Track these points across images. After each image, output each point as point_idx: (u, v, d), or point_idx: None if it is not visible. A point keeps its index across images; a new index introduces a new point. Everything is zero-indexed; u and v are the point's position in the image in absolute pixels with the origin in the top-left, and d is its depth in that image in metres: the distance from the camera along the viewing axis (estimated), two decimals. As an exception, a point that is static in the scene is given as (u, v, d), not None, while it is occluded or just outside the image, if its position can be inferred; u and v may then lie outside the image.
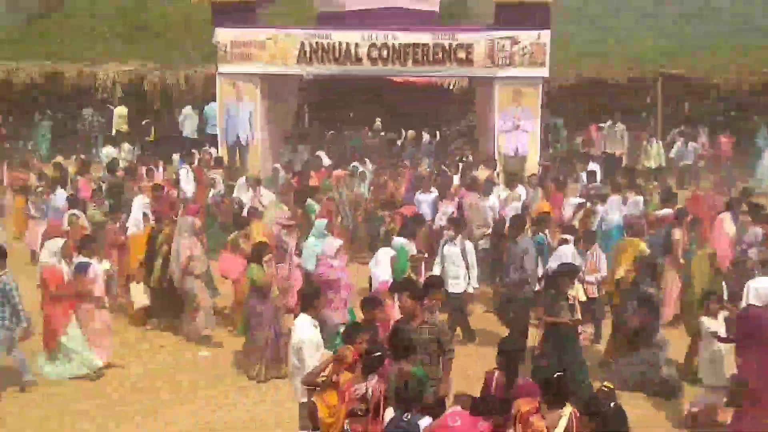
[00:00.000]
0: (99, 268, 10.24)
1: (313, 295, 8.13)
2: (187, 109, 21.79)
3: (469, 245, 11.19)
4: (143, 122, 22.42)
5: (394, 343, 6.86)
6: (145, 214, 12.49)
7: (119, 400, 9.24)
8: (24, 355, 9.43)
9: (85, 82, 23.05)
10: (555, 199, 14.53)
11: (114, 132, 22.23)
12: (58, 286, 9.60)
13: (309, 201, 13.89)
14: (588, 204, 13.66)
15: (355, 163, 16.97)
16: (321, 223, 11.38)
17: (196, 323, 10.89)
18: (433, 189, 14.65)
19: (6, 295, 8.92)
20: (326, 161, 18.34)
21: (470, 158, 18.30)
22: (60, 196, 14.41)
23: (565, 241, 11.28)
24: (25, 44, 26.54)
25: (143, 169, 16.88)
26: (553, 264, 10.46)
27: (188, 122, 21.83)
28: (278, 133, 19.99)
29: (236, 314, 11.14)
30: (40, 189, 14.89)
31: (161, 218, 12.12)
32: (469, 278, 11.08)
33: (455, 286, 10.91)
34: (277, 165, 17.12)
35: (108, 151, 19.47)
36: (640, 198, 14.07)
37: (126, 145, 20.63)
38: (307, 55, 18.08)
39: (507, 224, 11.86)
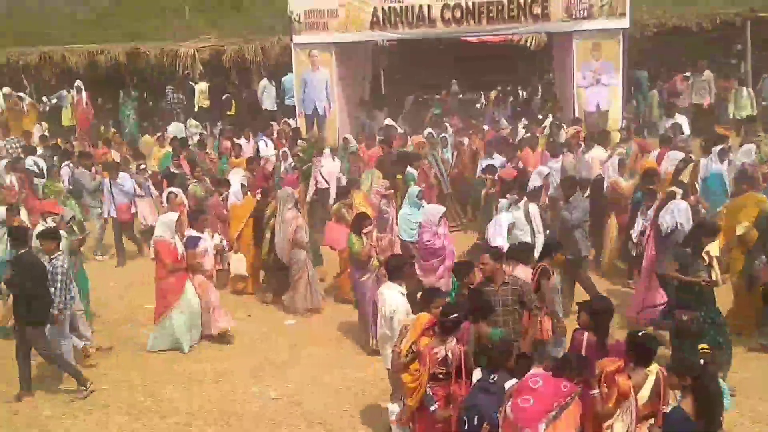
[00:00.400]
0: (209, 242, 10.45)
1: (401, 264, 8.15)
2: (264, 82, 22.03)
3: (534, 208, 10.64)
4: (223, 97, 22.78)
5: (473, 305, 6.86)
6: (243, 186, 12.58)
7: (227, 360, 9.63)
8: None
9: (166, 60, 23.52)
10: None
11: (196, 108, 22.67)
12: (171, 259, 9.82)
13: (409, 168, 13.53)
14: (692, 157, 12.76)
15: (430, 129, 16.75)
16: (414, 190, 11.27)
17: (298, 296, 11.03)
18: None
19: (55, 277, 8.71)
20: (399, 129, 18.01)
21: (552, 117, 17.79)
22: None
23: (673, 195, 10.19)
24: (109, 26, 27.35)
25: (227, 143, 17.18)
26: (667, 218, 9.78)
27: (266, 94, 22.05)
28: (355, 100, 20.07)
29: (344, 285, 11.23)
30: (143, 166, 15.22)
31: (267, 192, 12.31)
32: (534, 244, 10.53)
33: None
34: (347, 135, 17.12)
35: (175, 128, 20.03)
36: (752, 146, 13.21)
37: (192, 121, 21.10)
38: (380, 20, 18.03)
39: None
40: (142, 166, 15.23)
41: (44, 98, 23.81)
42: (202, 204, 12.90)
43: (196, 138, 19.01)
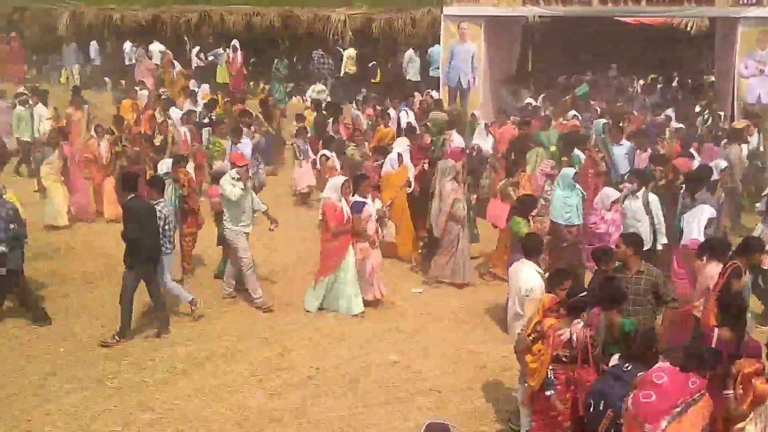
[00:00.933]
0: (372, 207, 10.33)
1: (538, 242, 8.08)
2: (410, 52, 22.09)
3: (653, 198, 10.17)
4: (370, 65, 23.06)
5: (604, 292, 6.68)
6: (399, 155, 12.42)
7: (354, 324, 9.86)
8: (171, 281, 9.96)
9: (318, 26, 24.01)
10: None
11: (342, 73, 23.07)
12: (337, 223, 9.83)
13: (576, 151, 13.01)
14: None
15: (574, 112, 16.25)
16: (569, 171, 10.88)
17: (438, 265, 11.03)
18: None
19: (165, 221, 9.55)
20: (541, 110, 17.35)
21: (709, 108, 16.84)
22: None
23: None
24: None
25: (370, 110, 17.40)
26: None
27: (411, 65, 22.14)
28: (500, 76, 19.81)
29: (500, 262, 10.96)
30: (300, 128, 15.48)
31: (433, 162, 12.09)
32: (655, 234, 10.13)
33: None
34: (476, 112, 16.83)
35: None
36: None
37: (318, 86, 21.44)
38: (534, -5, 17.64)
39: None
40: (306, 132, 15.38)
41: (201, 55, 24.80)
42: (358, 168, 12.84)
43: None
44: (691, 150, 12.86)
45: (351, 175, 11.47)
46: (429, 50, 21.41)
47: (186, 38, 25.92)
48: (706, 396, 5.43)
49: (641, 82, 21.04)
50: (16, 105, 17.40)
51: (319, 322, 9.87)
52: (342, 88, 22.66)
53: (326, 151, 13.32)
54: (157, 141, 14.31)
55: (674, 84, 20.81)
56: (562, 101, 17.80)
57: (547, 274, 7.66)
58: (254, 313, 10.13)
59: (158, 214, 9.42)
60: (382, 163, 12.54)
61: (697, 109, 17.24)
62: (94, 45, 26.59)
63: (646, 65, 21.79)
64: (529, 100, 18.02)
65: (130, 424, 7.37)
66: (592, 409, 5.88)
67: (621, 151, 13.03)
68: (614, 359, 6.18)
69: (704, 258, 7.69)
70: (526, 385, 6.80)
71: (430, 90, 19.64)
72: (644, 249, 8.17)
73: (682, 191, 10.30)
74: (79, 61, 26.57)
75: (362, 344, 9.25)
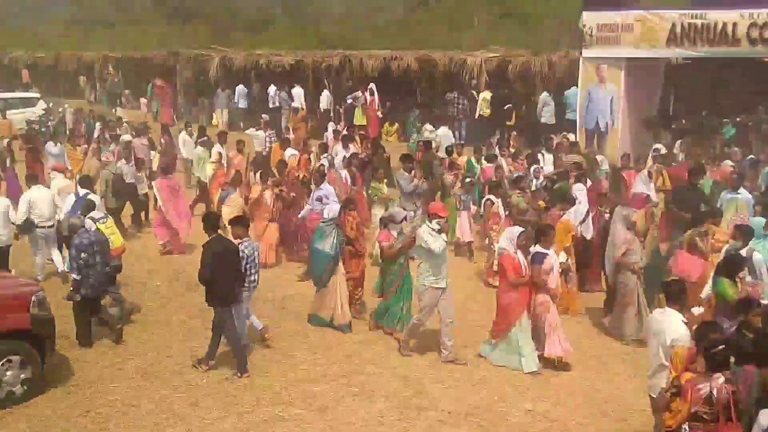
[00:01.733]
0: (555, 259, 9.97)
1: (682, 288, 7.69)
2: (545, 95, 21.91)
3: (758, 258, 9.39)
4: (505, 107, 23.04)
5: (761, 350, 6.29)
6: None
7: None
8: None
9: (453, 69, 24.29)
10: None
11: (477, 116, 23.16)
12: (515, 274, 9.57)
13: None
14: None
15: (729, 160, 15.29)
16: (759, 221, 10.34)
17: (623, 320, 10.65)
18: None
19: (246, 260, 9.64)
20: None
21: None
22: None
23: None
24: (402, 33, 28.86)
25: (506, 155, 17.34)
26: None
27: (546, 108, 21.94)
28: (639, 119, 19.32)
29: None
30: (468, 179, 14.99)
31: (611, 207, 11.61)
32: None
33: None
34: (600, 155, 16.29)
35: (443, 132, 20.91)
36: None
37: (428, 126, 21.67)
38: (678, 36, 17.19)
39: None
40: (467, 179, 14.98)
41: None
42: (523, 215, 12.55)
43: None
44: None
45: (517, 222, 11.42)
46: (565, 92, 21.18)
47: (326, 82, 26.83)
48: None
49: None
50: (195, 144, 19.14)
51: (453, 366, 9.84)
52: (476, 131, 22.72)
53: (491, 197, 13.06)
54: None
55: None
56: (710, 146, 17.00)
57: (694, 326, 7.33)
58: (391, 351, 10.23)
59: (241, 253, 9.61)
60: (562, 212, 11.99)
61: None
62: (240, 88, 27.99)
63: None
64: (657, 146, 16.96)
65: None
66: None
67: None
68: (764, 414, 5.84)
69: None
70: None
71: (565, 132, 19.39)
72: None
73: None
74: (230, 104, 28.02)
75: (498, 388, 9.16)
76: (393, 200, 14.32)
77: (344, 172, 15.39)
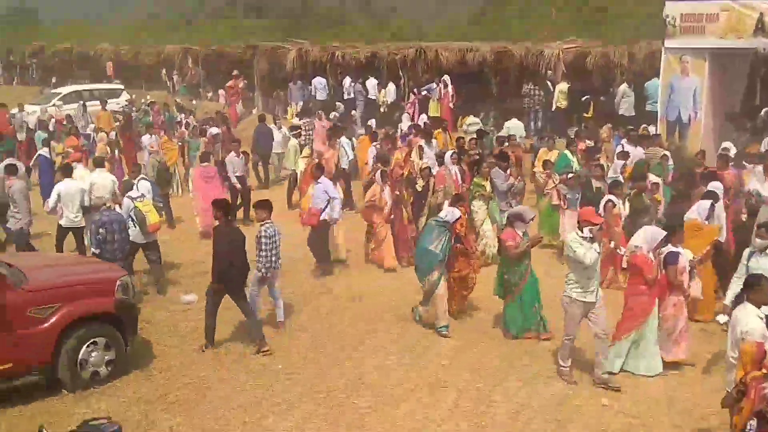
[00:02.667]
0: (685, 257, 9.50)
1: (758, 282, 7.35)
2: (624, 87, 21.34)
3: None
4: (582, 99, 22.60)
5: None
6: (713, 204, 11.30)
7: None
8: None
9: (530, 60, 23.95)
10: None
11: (554, 107, 22.79)
12: (650, 274, 9.11)
13: None
14: None
15: None
16: None
17: None
18: None
19: (266, 242, 10.00)
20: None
21: None
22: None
23: None
24: (479, 25, 28.63)
25: (582, 145, 17.01)
26: None
27: (625, 99, 21.40)
28: (723, 112, 18.70)
29: None
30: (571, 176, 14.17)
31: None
32: None
33: None
34: (667, 152, 15.54)
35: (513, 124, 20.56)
36: None
37: (471, 118, 21.45)
38: (766, 26, 16.51)
39: None
40: (569, 174, 14.28)
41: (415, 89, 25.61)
42: (640, 215, 12.23)
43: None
44: None
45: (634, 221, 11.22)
46: (646, 84, 20.62)
47: (401, 73, 26.82)
48: None
49: None
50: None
51: (527, 359, 9.77)
52: (553, 123, 22.39)
53: (612, 197, 12.45)
54: (419, 186, 14.28)
55: None
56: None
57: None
58: (466, 343, 10.22)
59: (263, 233, 10.05)
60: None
61: None
62: (319, 80, 28.13)
63: None
64: (726, 144, 15.81)
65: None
66: None
67: None
68: None
69: None
70: None
71: (646, 125, 18.91)
72: None
73: None
74: (304, 97, 28.31)
75: (572, 385, 9.03)
76: (494, 197, 13.97)
77: (454, 168, 14.62)
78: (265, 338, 9.94)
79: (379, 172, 13.76)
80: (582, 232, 8.81)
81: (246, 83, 29.81)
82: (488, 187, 13.92)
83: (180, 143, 20.65)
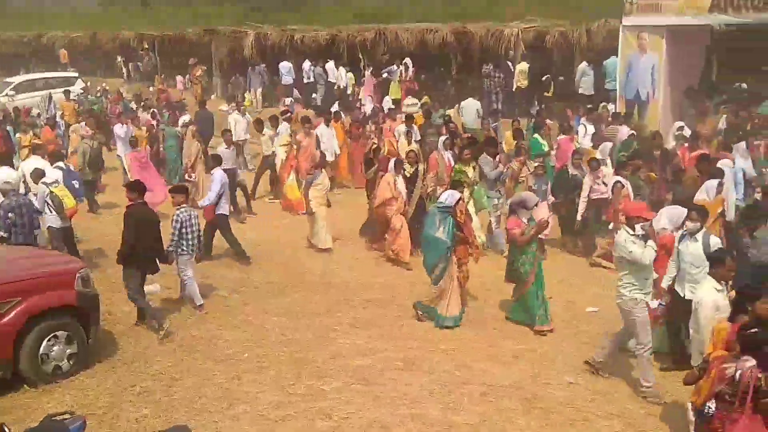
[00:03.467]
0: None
1: (721, 257, 7.59)
2: (583, 66, 21.51)
3: (715, 242, 8.67)
4: (543, 78, 22.70)
5: None
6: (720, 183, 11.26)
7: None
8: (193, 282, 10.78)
9: (490, 40, 23.95)
10: None
11: (514, 87, 22.86)
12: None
13: None
14: None
15: None
16: None
17: None
18: None
19: (176, 226, 10.34)
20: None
21: None
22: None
23: None
24: (437, 4, 28.51)
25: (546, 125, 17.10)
26: None
27: (584, 78, 21.56)
28: (681, 88, 18.90)
29: None
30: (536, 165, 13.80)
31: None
32: None
33: None
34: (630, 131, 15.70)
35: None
36: None
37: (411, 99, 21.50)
38: (722, 3, 16.68)
39: None
40: (535, 164, 13.89)
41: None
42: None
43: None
44: None
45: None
46: (605, 62, 20.77)
47: (361, 56, 26.67)
48: None
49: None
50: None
51: (498, 339, 9.81)
52: (513, 103, 22.46)
53: (621, 179, 12.29)
54: (407, 171, 13.39)
55: None
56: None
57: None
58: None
59: (176, 218, 10.40)
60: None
61: None
62: (284, 64, 27.73)
63: None
64: (679, 123, 16.05)
65: (311, 431, 7.57)
66: None
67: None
68: None
69: None
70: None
71: (605, 103, 19.06)
72: None
73: None
74: (264, 83, 27.94)
75: (539, 364, 9.09)
76: (479, 184, 13.43)
77: (447, 154, 14.29)
78: (164, 323, 9.94)
79: (393, 161, 13.38)
80: (633, 230, 8.19)
81: (205, 70, 29.37)
82: (470, 174, 13.31)
83: (155, 131, 20.09)
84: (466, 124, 20.30)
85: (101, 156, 17.05)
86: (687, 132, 15.23)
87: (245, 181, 16.78)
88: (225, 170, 14.50)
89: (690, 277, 8.46)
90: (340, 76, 25.99)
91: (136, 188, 10.32)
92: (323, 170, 14.28)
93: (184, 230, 10.45)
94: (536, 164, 13.84)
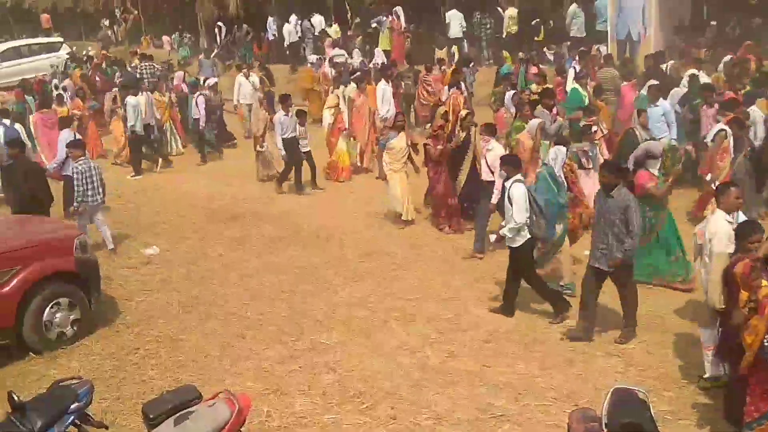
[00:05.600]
0: None
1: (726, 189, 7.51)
2: (573, 7, 21.26)
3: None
4: (533, 22, 22.47)
5: None
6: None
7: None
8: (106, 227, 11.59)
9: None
10: None
11: (504, 34, 22.64)
12: None
13: None
14: None
15: None
16: None
17: None
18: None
19: (78, 177, 10.97)
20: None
21: None
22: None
23: None
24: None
25: (535, 69, 16.95)
26: None
27: (575, 20, 21.35)
28: (672, 26, 18.75)
29: None
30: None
31: None
32: None
33: None
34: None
35: None
36: None
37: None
38: (712, -63, 16.47)
39: None
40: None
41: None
42: None
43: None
44: None
45: None
46: (595, 3, 20.57)
47: (348, 7, 26.32)
48: None
49: None
50: None
51: (493, 288, 9.89)
52: (504, 49, 22.27)
53: (725, 127, 11.02)
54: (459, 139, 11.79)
55: None
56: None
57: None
58: (432, 275, 10.32)
59: (76, 170, 11.05)
60: None
61: None
62: (273, 20, 27.35)
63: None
64: (652, 82, 14.29)
65: (315, 384, 7.67)
66: None
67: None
68: None
69: None
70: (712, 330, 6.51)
71: (597, 45, 18.90)
72: None
73: None
74: (250, 43, 27.56)
75: (539, 309, 9.18)
76: (542, 142, 11.31)
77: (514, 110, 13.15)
78: None
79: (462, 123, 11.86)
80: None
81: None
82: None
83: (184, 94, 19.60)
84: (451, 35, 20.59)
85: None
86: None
87: (311, 152, 15.01)
88: (284, 139, 14.19)
89: None
90: (286, 30, 25.71)
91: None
92: (401, 132, 12.48)
93: (85, 181, 11.03)
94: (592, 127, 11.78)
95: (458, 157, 11.82)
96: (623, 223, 7.92)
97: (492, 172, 10.83)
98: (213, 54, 26.71)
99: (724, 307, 6.61)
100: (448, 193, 11.96)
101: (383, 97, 16.14)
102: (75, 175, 11.07)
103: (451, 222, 12.09)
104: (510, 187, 8.83)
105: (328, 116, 15.93)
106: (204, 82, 19.00)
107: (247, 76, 19.90)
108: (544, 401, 7.20)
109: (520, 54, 19.23)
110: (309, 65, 22.59)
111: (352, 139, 15.71)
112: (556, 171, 9.60)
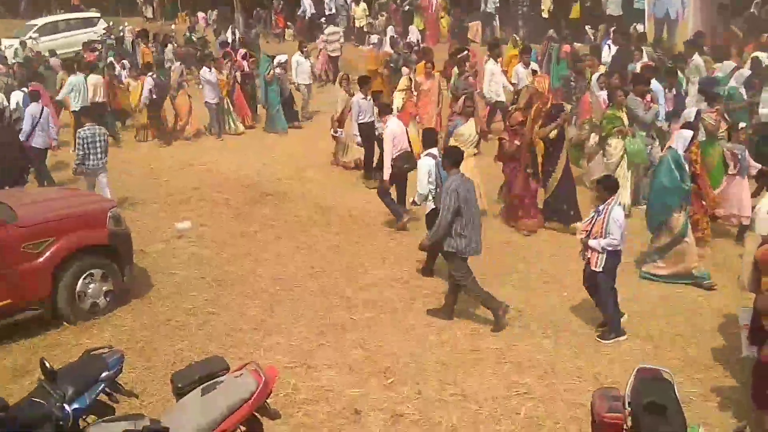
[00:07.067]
0: None
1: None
2: (612, -15, 20.96)
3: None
4: None
5: None
6: None
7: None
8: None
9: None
10: None
11: (544, 11, 22.37)
12: None
13: None
14: None
15: None
16: None
17: None
18: None
19: (80, 142, 11.59)
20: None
21: None
22: None
23: None
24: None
25: (567, 47, 16.73)
26: None
27: (613, -2, 21.01)
28: (712, 5, 18.36)
29: None
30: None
31: None
32: None
33: None
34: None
35: None
36: None
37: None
38: None
39: None
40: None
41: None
42: None
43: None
44: None
45: None
46: (634, -20, 20.21)
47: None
48: None
49: None
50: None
51: (522, 266, 9.88)
52: (538, 28, 22.03)
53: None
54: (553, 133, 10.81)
55: None
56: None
57: None
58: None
59: (80, 135, 11.66)
60: None
61: None
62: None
63: None
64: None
65: (344, 360, 7.74)
66: None
67: None
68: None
69: None
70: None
71: (635, 23, 18.60)
72: None
73: None
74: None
75: (571, 289, 9.16)
76: (638, 133, 11.30)
77: (603, 94, 12.59)
78: None
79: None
80: None
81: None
82: (625, 121, 11.26)
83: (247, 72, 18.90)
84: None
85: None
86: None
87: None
88: (361, 124, 13.44)
89: None
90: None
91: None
92: (471, 118, 11.77)
93: (88, 146, 11.55)
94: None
95: (553, 152, 10.93)
96: None
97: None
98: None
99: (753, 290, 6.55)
100: (525, 193, 11.12)
101: (491, 79, 15.21)
102: (78, 140, 11.76)
103: (528, 221, 11.16)
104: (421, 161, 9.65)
105: (399, 99, 14.74)
106: (273, 60, 18.36)
107: (306, 56, 19.25)
108: (570, 381, 7.20)
109: (550, 31, 18.91)
110: (370, 46, 21.85)
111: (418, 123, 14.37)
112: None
